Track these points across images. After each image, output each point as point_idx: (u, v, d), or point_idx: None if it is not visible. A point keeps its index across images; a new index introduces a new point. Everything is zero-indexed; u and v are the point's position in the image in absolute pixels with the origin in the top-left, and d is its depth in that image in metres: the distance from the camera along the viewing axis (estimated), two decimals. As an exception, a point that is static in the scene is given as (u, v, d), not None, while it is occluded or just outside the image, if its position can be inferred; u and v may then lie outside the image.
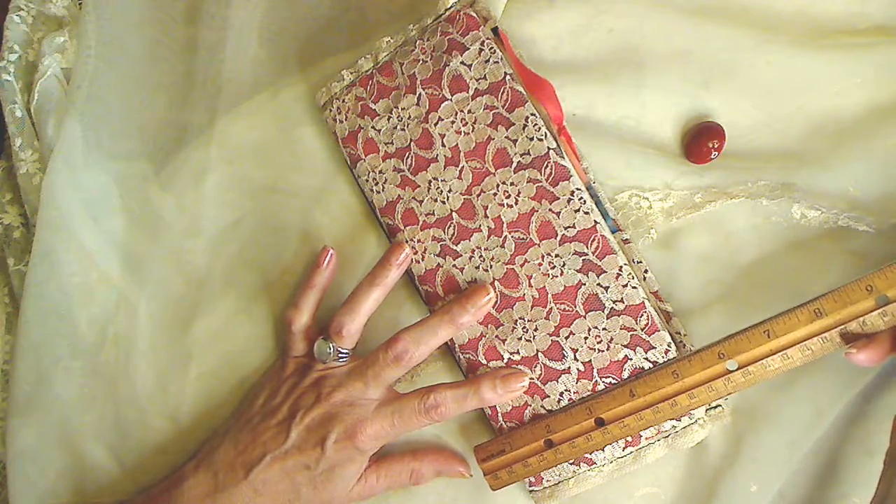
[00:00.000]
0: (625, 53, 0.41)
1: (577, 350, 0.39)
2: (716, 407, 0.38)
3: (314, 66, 0.46)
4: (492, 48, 0.40)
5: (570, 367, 0.39)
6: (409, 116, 0.42)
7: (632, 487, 0.40)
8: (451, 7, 0.41)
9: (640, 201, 0.40)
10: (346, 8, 0.46)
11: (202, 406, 0.44)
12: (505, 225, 0.40)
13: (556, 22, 0.41)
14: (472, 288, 0.40)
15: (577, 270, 0.39)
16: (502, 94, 0.40)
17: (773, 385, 0.37)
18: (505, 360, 0.40)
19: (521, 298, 0.40)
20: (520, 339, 0.40)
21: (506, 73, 0.40)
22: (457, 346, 0.41)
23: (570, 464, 0.39)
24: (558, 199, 0.39)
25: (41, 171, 0.46)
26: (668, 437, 0.38)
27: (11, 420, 0.44)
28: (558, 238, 0.39)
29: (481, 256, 0.40)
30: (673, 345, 0.38)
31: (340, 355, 0.41)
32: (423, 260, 0.42)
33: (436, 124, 0.41)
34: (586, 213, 0.38)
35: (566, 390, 0.39)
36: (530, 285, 0.39)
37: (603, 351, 0.38)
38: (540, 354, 0.39)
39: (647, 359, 0.38)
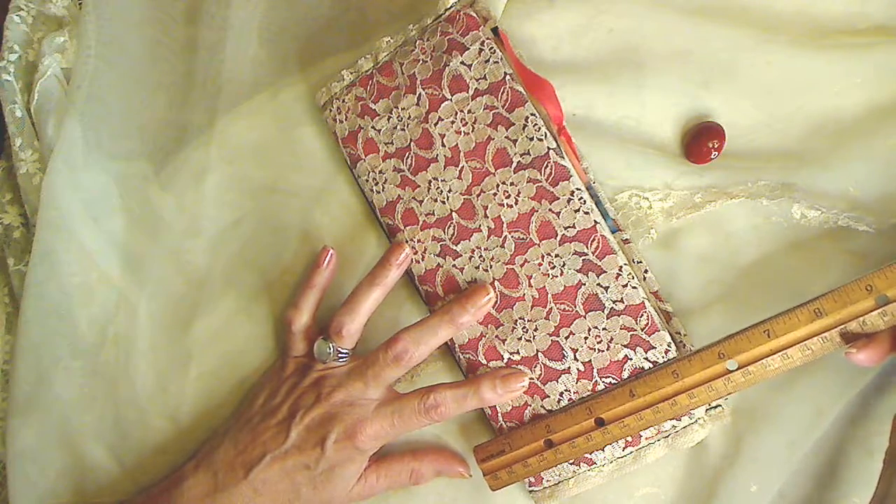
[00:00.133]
0: (625, 53, 0.41)
1: (577, 350, 0.39)
2: (716, 407, 0.38)
3: (314, 66, 0.46)
4: (492, 48, 0.40)
5: (570, 367, 0.39)
6: (409, 116, 0.42)
7: (632, 487, 0.40)
8: (451, 7, 0.42)
9: (640, 201, 0.41)
10: (346, 8, 0.46)
11: (202, 406, 0.45)
12: (505, 225, 0.40)
13: (556, 22, 0.42)
14: (472, 288, 0.41)
15: (577, 270, 0.39)
16: (502, 94, 0.40)
17: (773, 385, 0.38)
18: (505, 360, 0.40)
19: (521, 298, 0.40)
20: (520, 339, 0.40)
21: (506, 73, 0.40)
22: (457, 346, 0.41)
23: (570, 464, 0.39)
24: (558, 199, 0.39)
25: (41, 171, 0.46)
26: (668, 436, 0.38)
27: (11, 420, 0.45)
28: (558, 238, 0.39)
29: (481, 256, 0.41)
30: (673, 345, 0.38)
31: (340, 355, 0.41)
32: (423, 260, 0.42)
33: (436, 124, 0.41)
34: (586, 213, 0.39)
35: (566, 390, 0.39)
36: (530, 285, 0.40)
37: (603, 351, 0.39)
38: (540, 354, 0.40)
39: (647, 359, 0.38)
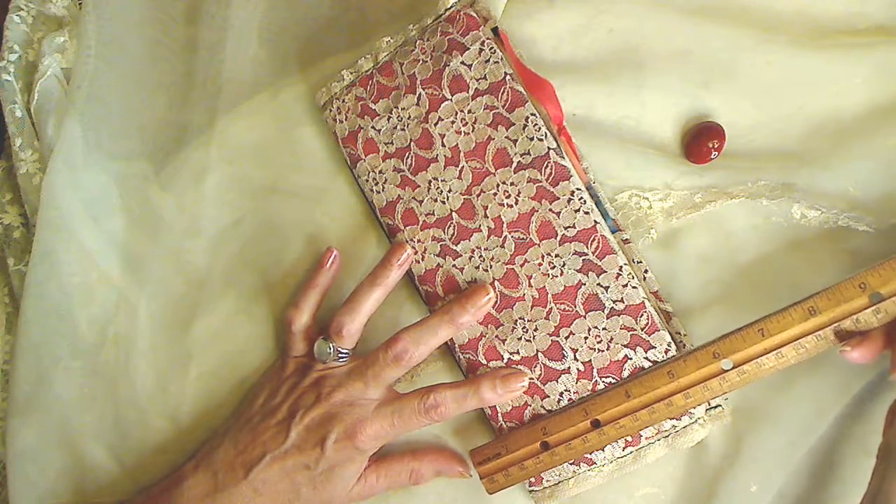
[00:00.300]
0: (625, 53, 0.42)
1: (577, 350, 0.40)
2: (716, 407, 0.39)
3: (314, 66, 0.47)
4: (492, 48, 0.41)
5: (570, 367, 0.40)
6: (409, 116, 0.43)
7: (632, 487, 0.41)
8: (451, 7, 0.43)
9: (640, 201, 0.41)
10: (346, 8, 0.47)
11: (202, 406, 0.46)
12: (505, 225, 0.41)
13: (556, 22, 0.43)
14: (472, 288, 0.41)
15: (577, 270, 0.40)
16: (502, 94, 0.41)
17: (773, 385, 0.39)
18: (505, 360, 0.41)
19: (521, 298, 0.41)
20: (520, 339, 0.41)
21: (506, 73, 0.41)
22: (457, 346, 0.42)
23: (570, 464, 0.40)
24: (558, 199, 0.40)
25: (41, 171, 0.47)
26: (668, 436, 0.39)
27: (11, 420, 0.45)
28: (558, 238, 0.40)
29: (481, 256, 0.42)
30: (673, 345, 0.39)
31: (340, 355, 0.42)
32: (423, 260, 0.43)
33: (436, 124, 0.42)
34: (586, 213, 0.40)
35: (566, 390, 0.40)
36: (530, 285, 0.41)
37: (603, 351, 0.40)
38: (540, 354, 0.41)
39: (647, 358, 0.39)
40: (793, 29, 0.41)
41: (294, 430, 0.41)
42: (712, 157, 0.40)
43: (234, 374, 0.46)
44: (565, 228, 0.40)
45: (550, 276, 0.40)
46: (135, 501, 0.44)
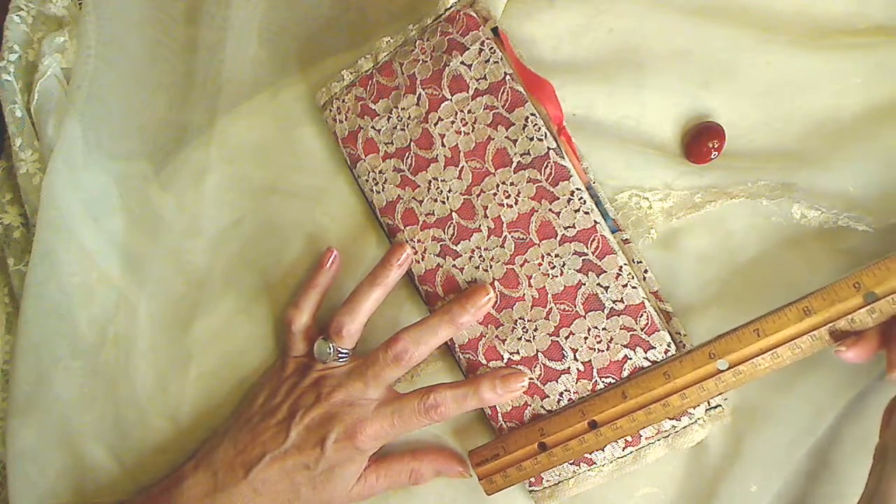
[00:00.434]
0: (625, 53, 0.43)
1: (577, 350, 0.41)
2: (716, 407, 0.40)
3: (314, 66, 0.48)
4: (492, 48, 0.42)
5: (569, 367, 0.41)
6: (409, 116, 0.44)
7: (632, 487, 0.42)
8: (451, 7, 0.44)
9: (640, 201, 0.42)
10: (346, 8, 0.48)
11: (202, 406, 0.46)
12: (505, 225, 0.42)
13: (556, 22, 0.44)
14: (472, 288, 0.42)
15: (576, 270, 0.41)
16: (502, 94, 0.42)
17: (772, 385, 0.40)
18: (505, 360, 0.42)
19: (521, 298, 0.42)
20: (519, 339, 0.42)
21: (506, 73, 0.42)
22: (457, 346, 0.43)
23: (570, 464, 0.41)
24: (558, 199, 0.41)
25: (41, 171, 0.48)
26: (667, 436, 0.40)
27: (11, 420, 0.46)
28: (558, 238, 0.41)
29: (481, 256, 0.43)
30: (673, 345, 0.40)
31: (340, 355, 0.43)
32: (423, 260, 0.44)
33: (436, 124, 0.43)
34: (586, 213, 0.41)
35: (566, 390, 0.41)
36: (530, 285, 0.42)
37: (603, 351, 0.41)
38: (540, 354, 0.42)
39: (647, 358, 0.40)
40: (793, 29, 0.42)
41: (294, 430, 0.41)
42: (712, 157, 0.41)
43: (234, 374, 0.47)
44: (565, 228, 0.41)
45: (550, 276, 0.41)
46: (135, 501, 0.45)
